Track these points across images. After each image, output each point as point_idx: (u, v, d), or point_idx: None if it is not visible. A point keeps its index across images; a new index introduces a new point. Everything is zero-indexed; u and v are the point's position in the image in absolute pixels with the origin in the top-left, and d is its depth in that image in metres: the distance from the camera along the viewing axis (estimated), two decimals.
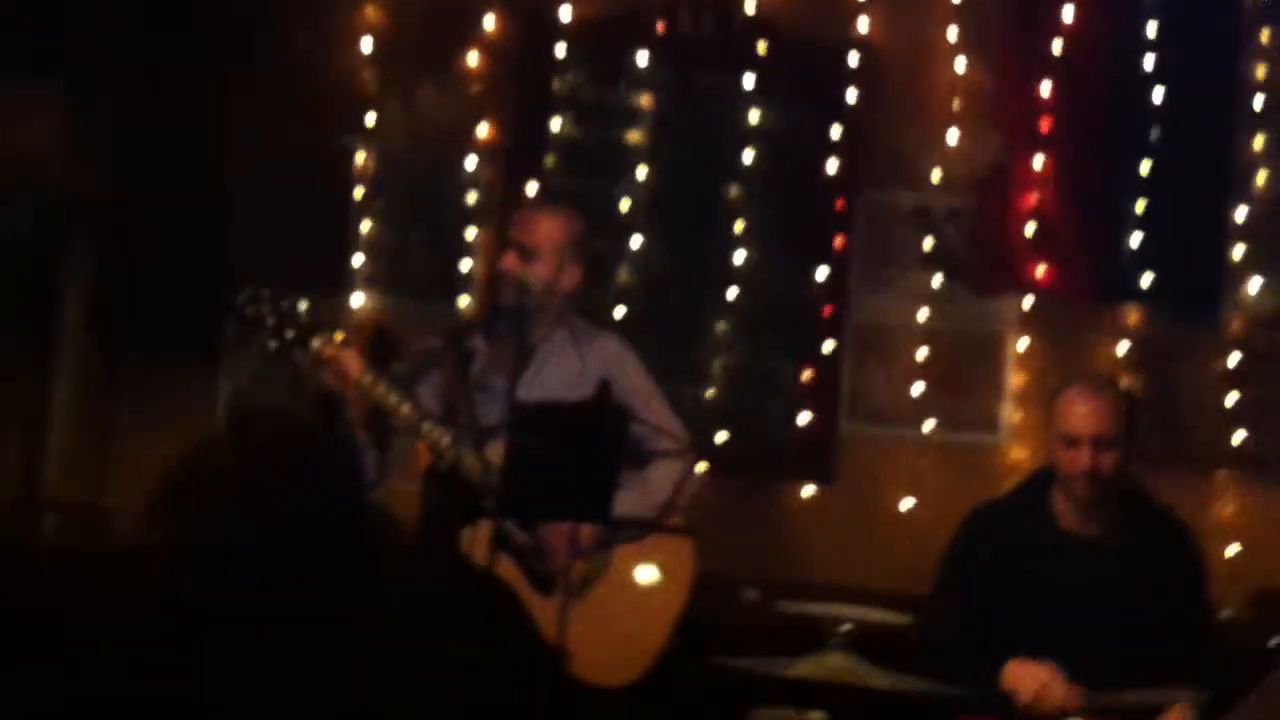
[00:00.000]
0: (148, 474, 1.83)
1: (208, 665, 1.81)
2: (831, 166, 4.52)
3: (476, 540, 3.22)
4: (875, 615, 3.28)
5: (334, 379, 3.20)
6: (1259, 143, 4.42)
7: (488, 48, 4.50)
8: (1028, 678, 3.18)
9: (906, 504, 4.38)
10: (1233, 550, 4.25)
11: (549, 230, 3.45)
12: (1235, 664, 3.35)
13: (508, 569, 3.24)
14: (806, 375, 4.47)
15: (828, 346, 4.48)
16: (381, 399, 3.24)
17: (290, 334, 3.17)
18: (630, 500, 3.39)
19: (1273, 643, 3.40)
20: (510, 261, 3.41)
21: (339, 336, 3.37)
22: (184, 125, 4.33)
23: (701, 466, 3.99)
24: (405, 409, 3.26)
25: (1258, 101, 4.43)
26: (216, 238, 4.26)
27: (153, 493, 1.86)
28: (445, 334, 3.52)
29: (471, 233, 4.40)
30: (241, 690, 1.81)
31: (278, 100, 4.39)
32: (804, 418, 4.46)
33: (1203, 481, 4.31)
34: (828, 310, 4.50)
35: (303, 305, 3.17)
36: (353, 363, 3.23)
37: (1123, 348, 4.42)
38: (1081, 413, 3.29)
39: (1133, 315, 4.44)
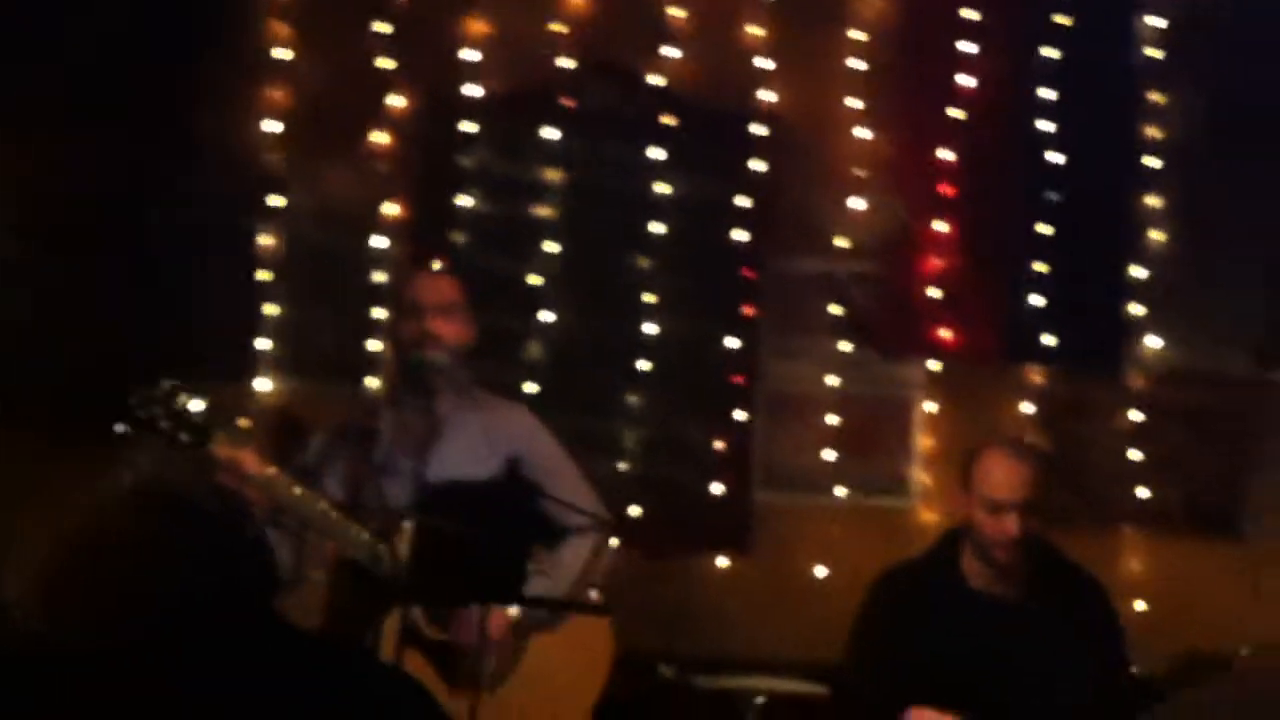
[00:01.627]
0: (39, 563, 1.78)
1: None
2: (740, 235, 4.56)
3: (386, 633, 3.17)
4: (790, 686, 3.28)
5: (233, 480, 3.14)
6: (1155, 202, 4.53)
7: (393, 126, 4.51)
8: None
9: (821, 571, 4.40)
10: (1140, 606, 4.31)
11: (453, 288, 3.45)
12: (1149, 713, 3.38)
13: (418, 662, 3.18)
14: (720, 445, 4.49)
15: (740, 415, 4.51)
16: (284, 494, 3.18)
17: (185, 437, 3.11)
18: (544, 580, 3.36)
19: (1244, 651, 3.37)
20: (435, 323, 3.36)
21: (244, 423, 3.32)
22: (89, 203, 4.28)
23: (616, 541, 3.97)
24: (309, 501, 3.20)
25: (1153, 161, 4.54)
26: (121, 319, 4.21)
27: (45, 581, 1.81)
28: (349, 417, 3.48)
29: (378, 312, 4.37)
30: None
31: (183, 181, 4.36)
32: (718, 487, 4.47)
33: (1108, 537, 4.36)
34: (739, 379, 4.53)
35: (196, 406, 3.11)
36: (251, 461, 3.16)
37: (1028, 407, 4.48)
38: (1007, 478, 3.29)
39: (1036, 375, 4.52)
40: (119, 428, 3.05)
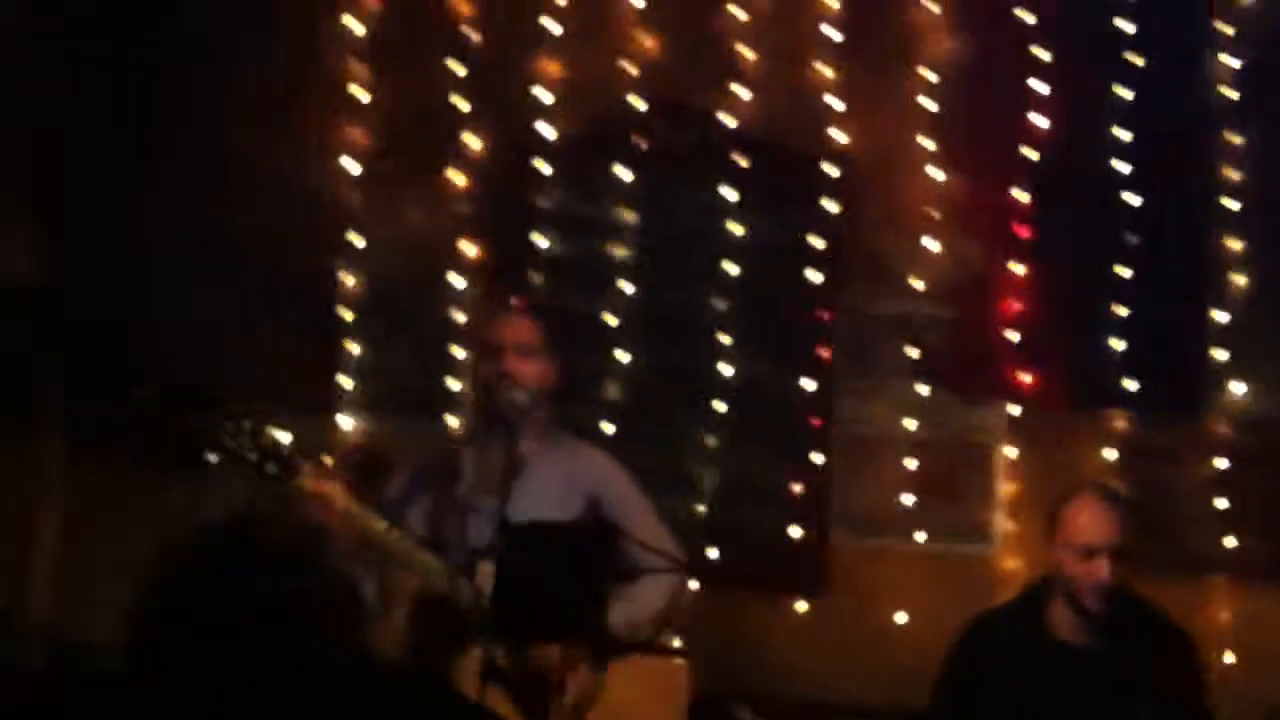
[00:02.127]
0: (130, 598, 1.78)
1: None
2: (815, 277, 4.55)
3: (466, 670, 3.18)
4: None
5: (319, 513, 3.16)
6: (1236, 245, 4.49)
7: (470, 165, 4.54)
8: None
9: (899, 617, 4.35)
10: (1228, 658, 4.23)
11: (534, 329, 3.47)
12: None
13: (497, 697, 3.19)
14: (796, 487, 4.46)
15: (816, 457, 4.49)
16: (369, 529, 3.20)
17: (272, 469, 3.14)
18: (622, 620, 3.36)
19: None
20: (515, 364, 3.39)
21: (328, 460, 3.34)
22: (174, 238, 4.34)
23: (693, 583, 3.96)
24: (393, 537, 3.22)
25: (1233, 204, 4.50)
26: (208, 353, 4.25)
27: (134, 618, 1.81)
28: (431, 455, 3.50)
29: (458, 351, 4.39)
30: None
31: (263, 221, 4.41)
32: (794, 530, 4.44)
33: (1194, 588, 4.29)
34: (815, 421, 4.51)
35: (285, 438, 3.14)
36: (338, 495, 3.19)
37: (1109, 453, 4.43)
38: (1097, 524, 3.28)
39: (1118, 421, 4.47)
40: (209, 457, 3.08)
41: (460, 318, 4.45)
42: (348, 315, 4.44)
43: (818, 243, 4.56)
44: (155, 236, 4.34)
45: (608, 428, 4.42)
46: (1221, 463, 4.42)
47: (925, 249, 4.53)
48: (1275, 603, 4.34)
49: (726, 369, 4.50)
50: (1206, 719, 3.44)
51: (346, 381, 4.43)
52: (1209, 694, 3.45)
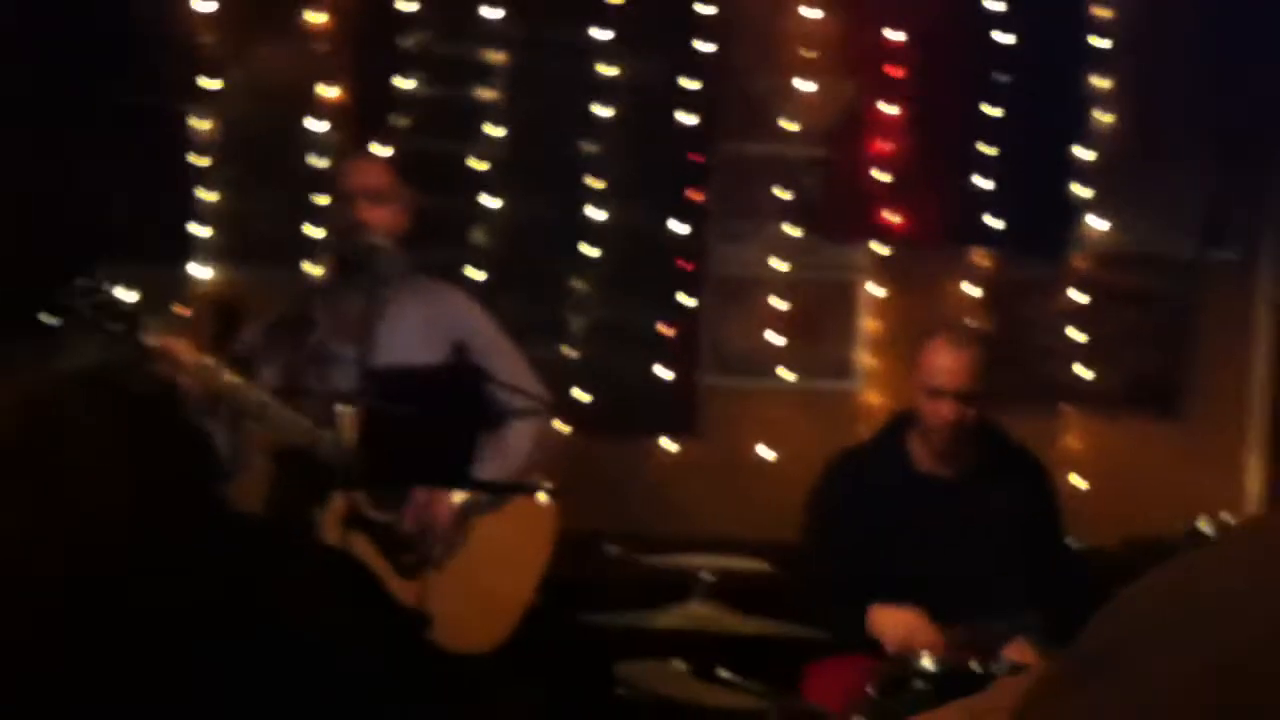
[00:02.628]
0: None
1: (57, 656, 1.75)
2: (688, 119, 4.50)
3: (331, 519, 3.17)
4: (736, 563, 3.32)
5: (168, 369, 3.11)
6: (1104, 83, 4.51)
7: (330, 5, 4.39)
8: (892, 623, 3.24)
9: (767, 453, 4.42)
10: (1081, 483, 4.38)
11: (386, 174, 3.41)
12: (1094, 592, 3.44)
13: (363, 545, 3.19)
14: (667, 330, 4.48)
15: (688, 300, 4.49)
16: (220, 384, 3.15)
17: (113, 326, 3.07)
18: (489, 463, 3.38)
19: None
20: (367, 210, 3.34)
21: (181, 310, 3.27)
22: (17, 93, 4.15)
23: (562, 426, 3.98)
24: (247, 391, 3.18)
25: (1101, 42, 4.51)
26: (54, 208, 4.11)
27: None
28: (285, 304, 3.44)
29: (320, 197, 4.29)
30: (94, 682, 1.76)
31: (115, 63, 4.23)
32: (665, 372, 4.47)
33: (1051, 418, 4.42)
34: (686, 264, 4.51)
35: (124, 294, 3.06)
36: (184, 350, 3.13)
37: (973, 290, 4.50)
38: (947, 367, 3.36)
39: (982, 258, 4.53)
40: (46, 318, 3.00)
41: (320, 163, 4.35)
42: (201, 161, 4.31)
43: (691, 84, 4.51)
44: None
45: (476, 273, 4.38)
46: (1081, 297, 4.51)
47: (799, 90, 4.50)
48: (1129, 431, 4.48)
49: (597, 213, 4.46)
50: (1061, 543, 3.57)
51: (202, 230, 4.31)
52: (1064, 519, 3.58)
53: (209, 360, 3.15)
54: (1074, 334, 4.50)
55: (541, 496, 3.42)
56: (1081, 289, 4.50)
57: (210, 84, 4.33)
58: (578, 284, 4.45)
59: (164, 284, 3.84)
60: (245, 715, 1.84)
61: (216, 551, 1.94)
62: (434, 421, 3.26)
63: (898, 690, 2.84)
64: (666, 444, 4.47)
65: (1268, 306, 4.54)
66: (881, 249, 4.51)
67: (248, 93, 4.34)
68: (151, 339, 3.09)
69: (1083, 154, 4.51)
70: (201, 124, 4.32)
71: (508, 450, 3.41)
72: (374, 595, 3.21)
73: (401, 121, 4.40)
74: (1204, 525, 2.97)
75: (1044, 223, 4.52)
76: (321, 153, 4.34)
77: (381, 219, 3.33)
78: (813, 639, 3.11)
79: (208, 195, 4.32)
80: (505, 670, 3.41)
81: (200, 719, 1.76)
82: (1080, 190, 4.51)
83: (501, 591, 3.37)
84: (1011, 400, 4.08)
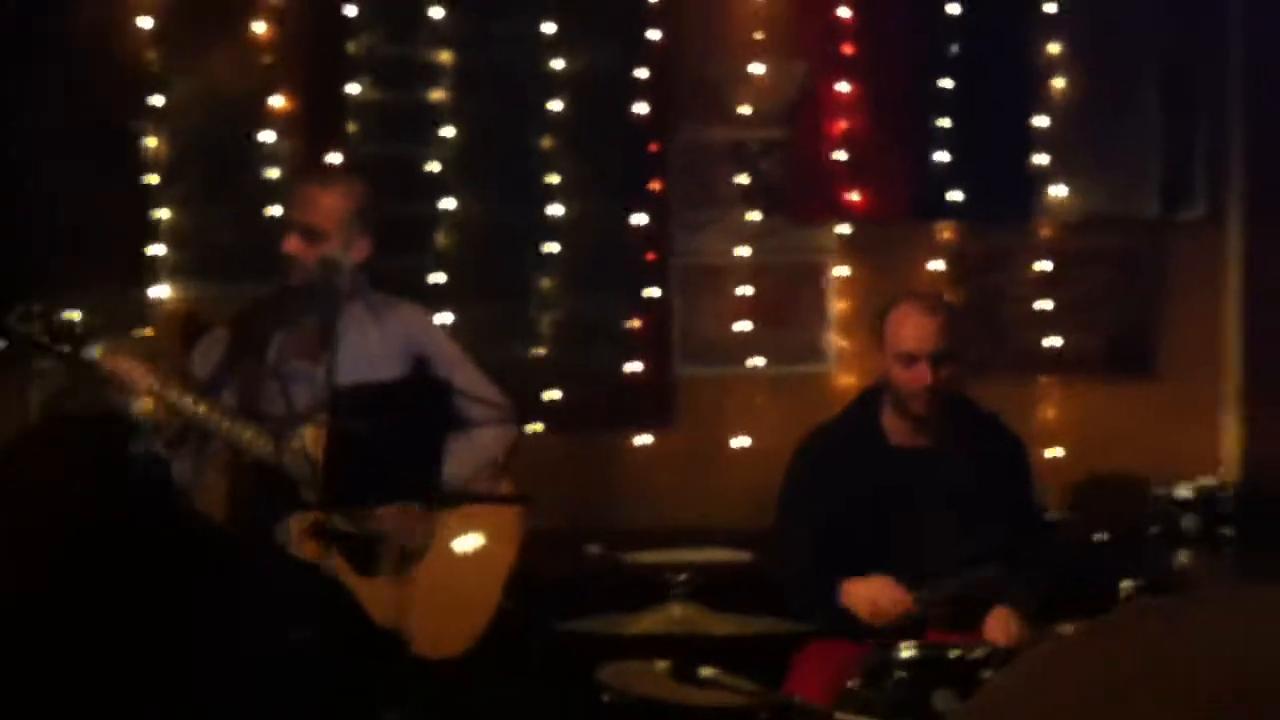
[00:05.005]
0: None
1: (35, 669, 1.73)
2: (641, 108, 4.47)
3: (297, 532, 3.14)
4: (716, 556, 3.30)
5: (121, 391, 3.07)
6: (1055, 49, 4.50)
7: (275, 14, 4.33)
8: (862, 593, 3.23)
9: (743, 441, 4.40)
10: (1056, 452, 4.37)
11: (330, 206, 3.34)
12: (1063, 557, 3.46)
13: (332, 557, 3.17)
14: (635, 322, 4.44)
15: (654, 291, 4.46)
16: (176, 403, 3.11)
17: (65, 349, 3.03)
18: (453, 466, 3.34)
19: (1098, 537, 3.50)
20: (293, 244, 3.31)
21: (147, 332, 3.23)
22: None
23: (530, 428, 3.95)
24: (203, 409, 3.14)
25: (1051, 6, 4.49)
26: (6, 235, 4.05)
27: None
28: (232, 325, 3.39)
29: (274, 209, 4.23)
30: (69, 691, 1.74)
31: (59, 87, 4.17)
32: (636, 365, 4.43)
33: (1025, 387, 4.41)
34: (651, 255, 4.48)
35: (73, 316, 3.02)
36: (137, 372, 3.09)
37: (939, 264, 4.48)
38: (916, 331, 3.34)
39: (946, 231, 4.51)
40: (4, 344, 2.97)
41: (274, 174, 4.29)
42: (153, 179, 4.25)
43: (642, 73, 4.47)
44: None
45: (438, 277, 4.33)
46: (1048, 264, 4.50)
47: (752, 73, 4.47)
48: (1103, 396, 4.48)
49: (557, 209, 4.42)
50: (1032, 506, 3.56)
51: (159, 249, 4.25)
52: (1038, 486, 3.58)
53: (165, 380, 3.11)
54: (1044, 302, 4.49)
55: (512, 505, 3.39)
56: (1049, 256, 4.49)
57: (158, 100, 4.27)
58: (542, 282, 4.41)
59: (121, 304, 3.79)
60: None
61: (176, 565, 1.91)
62: (398, 435, 3.22)
63: (879, 680, 2.83)
64: (641, 438, 4.44)
65: (1236, 262, 4.54)
66: (845, 229, 4.49)
67: (197, 107, 4.28)
68: (103, 361, 3.06)
69: (1040, 121, 4.50)
70: (151, 141, 4.26)
71: (474, 459, 3.39)
72: (344, 606, 3.18)
73: (353, 126, 4.35)
74: (1183, 490, 2.97)
75: (1006, 192, 4.50)
76: (274, 164, 4.28)
77: (320, 253, 3.28)
78: (796, 631, 3.09)
79: (163, 213, 4.26)
80: (484, 674, 3.39)
81: None
82: (1040, 157, 4.49)
83: (469, 596, 3.35)
84: (986, 370, 4.08)
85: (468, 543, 3.36)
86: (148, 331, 3.22)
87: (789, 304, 4.48)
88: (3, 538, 1.92)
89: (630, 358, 4.42)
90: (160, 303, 4.16)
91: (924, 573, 3.25)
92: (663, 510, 4.29)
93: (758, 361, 4.44)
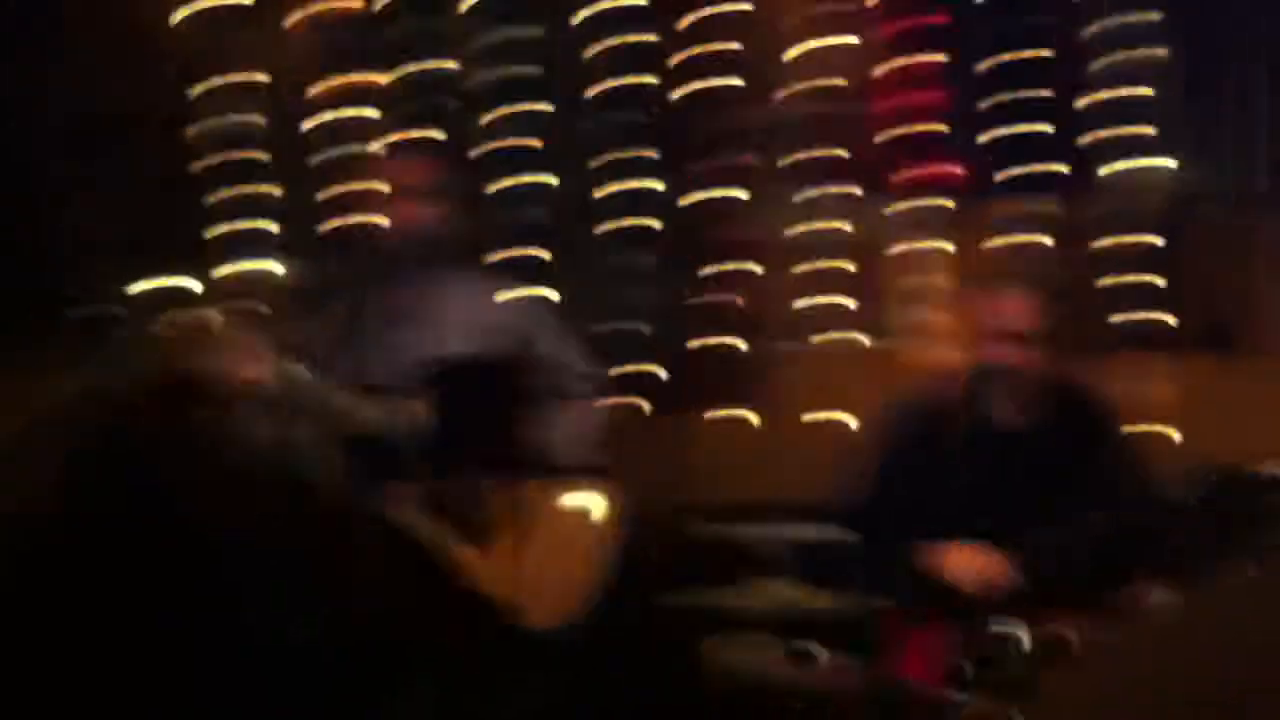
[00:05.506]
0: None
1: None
2: (731, 82, 4.45)
3: (400, 501, 3.18)
4: (807, 533, 3.29)
5: (237, 361, 3.10)
6: (1152, 16, 4.42)
7: None
8: (965, 562, 3.20)
9: (837, 416, 4.39)
10: (1158, 428, 4.32)
11: (426, 170, 3.38)
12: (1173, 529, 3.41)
13: (436, 528, 3.21)
14: (728, 298, 4.45)
15: (745, 267, 4.46)
16: (290, 374, 3.15)
17: (140, 321, 3.06)
18: (556, 443, 3.37)
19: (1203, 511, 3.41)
20: (408, 209, 3.32)
21: (257, 306, 3.25)
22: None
23: (628, 402, 3.97)
24: (315, 382, 3.18)
25: None
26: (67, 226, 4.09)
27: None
28: (336, 297, 3.43)
29: (350, 186, 4.23)
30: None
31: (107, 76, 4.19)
32: (732, 340, 4.44)
33: (1123, 363, 4.35)
34: (741, 231, 4.48)
35: (144, 286, 3.01)
36: (252, 342, 3.13)
37: (1031, 238, 4.44)
38: (1013, 310, 3.30)
39: (1038, 205, 4.47)
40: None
41: (356, 151, 4.30)
42: (214, 159, 4.26)
43: (726, 46, 4.46)
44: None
45: (538, 252, 4.36)
46: (1153, 239, 4.45)
47: (835, 46, 4.44)
48: (1193, 372, 4.41)
49: (654, 183, 4.43)
50: (1143, 489, 3.51)
51: (270, 226, 4.27)
52: (1148, 466, 3.52)
53: (269, 355, 3.14)
54: (1133, 277, 4.43)
55: (607, 478, 3.42)
56: (1149, 231, 4.43)
57: (216, 83, 4.28)
58: (639, 258, 4.43)
59: (234, 281, 3.82)
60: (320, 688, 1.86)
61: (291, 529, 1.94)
62: (502, 408, 3.26)
63: (992, 664, 2.80)
64: (738, 413, 4.44)
65: None
66: (934, 202, 4.46)
67: (252, 91, 4.30)
68: (225, 330, 3.07)
69: (1137, 91, 4.43)
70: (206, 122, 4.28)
71: (573, 426, 3.41)
72: (447, 576, 3.22)
73: (444, 104, 4.37)
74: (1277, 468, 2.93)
75: (1099, 165, 4.45)
76: (357, 141, 4.30)
77: (420, 215, 3.31)
78: (900, 609, 3.08)
79: (240, 191, 4.28)
80: (585, 650, 3.42)
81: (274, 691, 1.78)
82: (1136, 129, 4.43)
83: (569, 569, 3.38)
84: (1074, 346, 4.03)
85: (570, 515, 3.39)
86: (259, 306, 3.24)
87: (872, 279, 4.47)
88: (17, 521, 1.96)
89: (712, 334, 4.43)
90: (268, 277, 4.18)
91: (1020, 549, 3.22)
92: (760, 486, 4.29)
93: (841, 336, 4.43)
